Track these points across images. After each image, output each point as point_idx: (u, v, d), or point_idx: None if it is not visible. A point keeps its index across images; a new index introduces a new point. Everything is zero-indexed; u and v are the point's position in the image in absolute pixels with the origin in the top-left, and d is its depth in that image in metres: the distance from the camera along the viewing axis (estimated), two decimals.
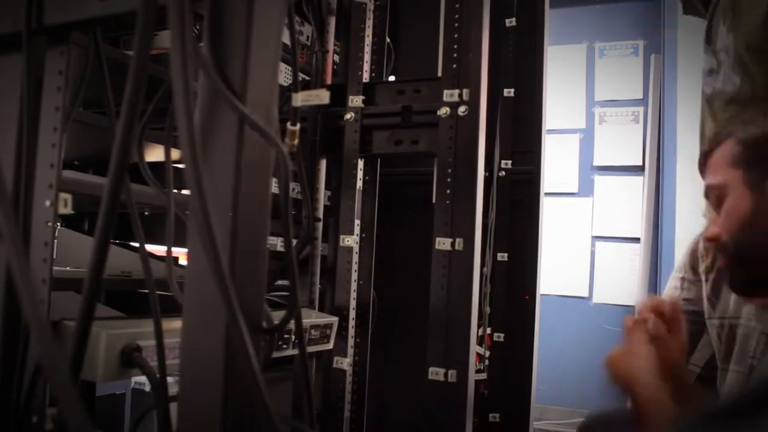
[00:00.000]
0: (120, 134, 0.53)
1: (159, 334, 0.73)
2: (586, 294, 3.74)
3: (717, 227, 1.00)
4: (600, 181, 3.72)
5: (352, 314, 1.70)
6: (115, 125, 0.59)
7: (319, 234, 1.72)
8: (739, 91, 1.46)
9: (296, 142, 0.74)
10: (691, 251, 1.40)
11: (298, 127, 0.74)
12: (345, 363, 1.67)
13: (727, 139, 0.99)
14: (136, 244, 1.63)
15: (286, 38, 1.67)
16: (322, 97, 0.69)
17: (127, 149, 0.54)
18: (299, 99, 0.70)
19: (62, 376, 0.45)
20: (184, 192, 1.09)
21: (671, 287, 1.47)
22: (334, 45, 1.79)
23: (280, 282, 1.16)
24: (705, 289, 1.31)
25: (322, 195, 1.74)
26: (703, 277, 1.34)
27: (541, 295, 2.16)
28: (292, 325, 0.62)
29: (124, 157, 0.54)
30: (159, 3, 0.53)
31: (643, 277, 3.49)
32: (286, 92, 1.50)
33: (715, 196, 1.01)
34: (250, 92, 0.56)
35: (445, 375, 1.43)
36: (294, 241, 0.60)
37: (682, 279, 1.43)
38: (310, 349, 1.41)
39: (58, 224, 1.00)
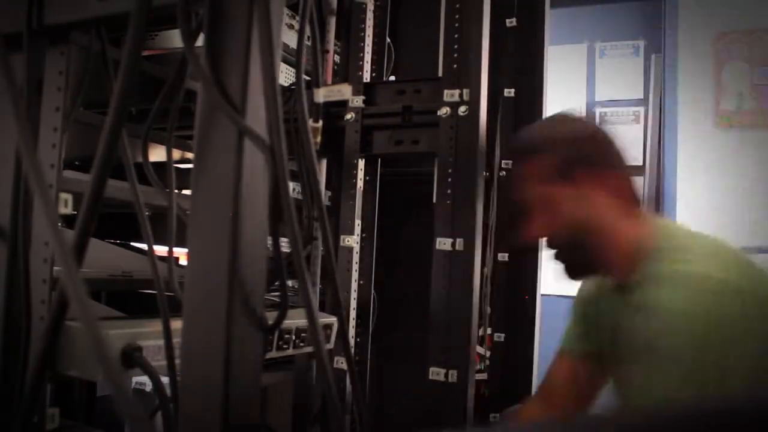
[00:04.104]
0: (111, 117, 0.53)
1: (168, 335, 0.72)
2: None
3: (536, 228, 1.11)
4: None
5: (353, 314, 1.70)
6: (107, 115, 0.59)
7: (319, 234, 1.72)
8: None
9: (319, 139, 0.73)
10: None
11: (320, 123, 0.73)
12: (345, 363, 1.67)
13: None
14: (136, 244, 1.64)
15: (286, 39, 1.67)
16: (344, 92, 0.69)
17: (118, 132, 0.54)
18: (321, 95, 0.70)
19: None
20: (185, 192, 1.09)
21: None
22: (334, 45, 1.78)
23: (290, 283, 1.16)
24: None
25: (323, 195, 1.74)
26: None
27: (541, 295, 2.16)
28: (294, 325, 0.62)
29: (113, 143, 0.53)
30: (154, 3, 0.53)
31: None
32: (286, 92, 1.50)
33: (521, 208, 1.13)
34: (249, 99, 0.56)
35: (446, 375, 1.43)
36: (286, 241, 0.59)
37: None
38: (310, 349, 1.41)
39: (59, 224, 1.00)
